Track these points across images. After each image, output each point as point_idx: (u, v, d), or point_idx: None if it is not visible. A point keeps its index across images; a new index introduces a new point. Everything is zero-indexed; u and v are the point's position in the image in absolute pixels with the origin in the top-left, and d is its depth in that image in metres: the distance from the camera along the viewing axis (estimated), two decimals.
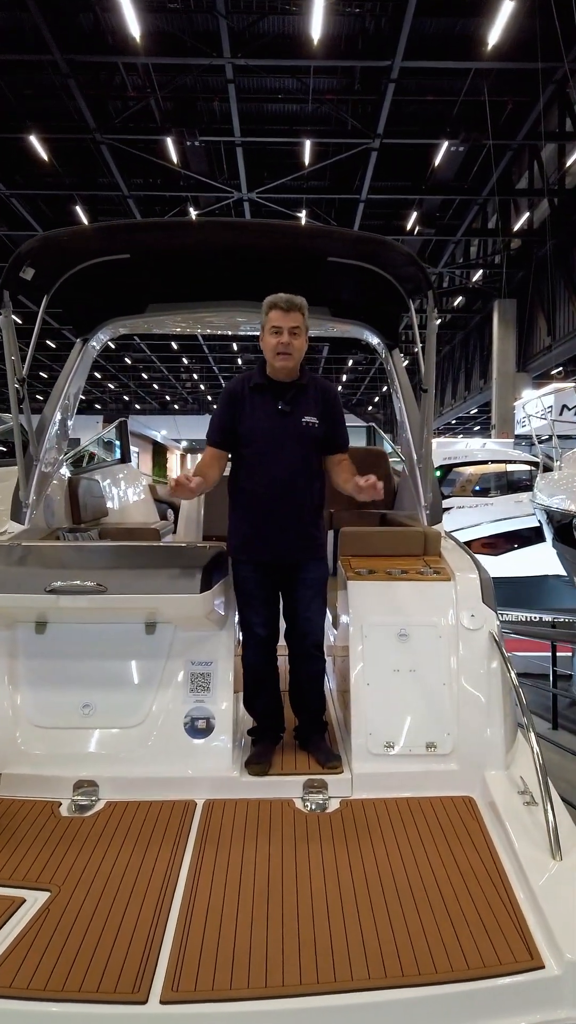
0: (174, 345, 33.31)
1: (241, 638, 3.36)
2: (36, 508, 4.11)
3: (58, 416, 4.49)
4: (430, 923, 2.20)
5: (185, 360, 37.72)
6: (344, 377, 40.92)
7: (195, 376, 42.04)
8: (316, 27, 12.78)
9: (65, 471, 5.11)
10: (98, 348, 4.93)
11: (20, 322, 4.28)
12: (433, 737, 3.01)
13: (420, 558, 3.54)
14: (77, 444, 6.07)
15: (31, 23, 12.73)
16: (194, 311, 4.79)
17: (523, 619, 8.27)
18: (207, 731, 3.08)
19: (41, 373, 32.15)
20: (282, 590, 3.29)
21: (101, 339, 4.89)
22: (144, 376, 41.47)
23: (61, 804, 2.86)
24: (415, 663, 3.10)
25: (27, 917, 2.20)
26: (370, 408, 45.70)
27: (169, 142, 16.37)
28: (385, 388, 40.05)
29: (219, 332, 6.03)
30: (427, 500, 4.13)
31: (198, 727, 3.08)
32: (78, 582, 2.90)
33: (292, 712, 3.41)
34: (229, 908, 2.27)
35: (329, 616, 4.02)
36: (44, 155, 16.44)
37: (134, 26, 12.53)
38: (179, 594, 2.95)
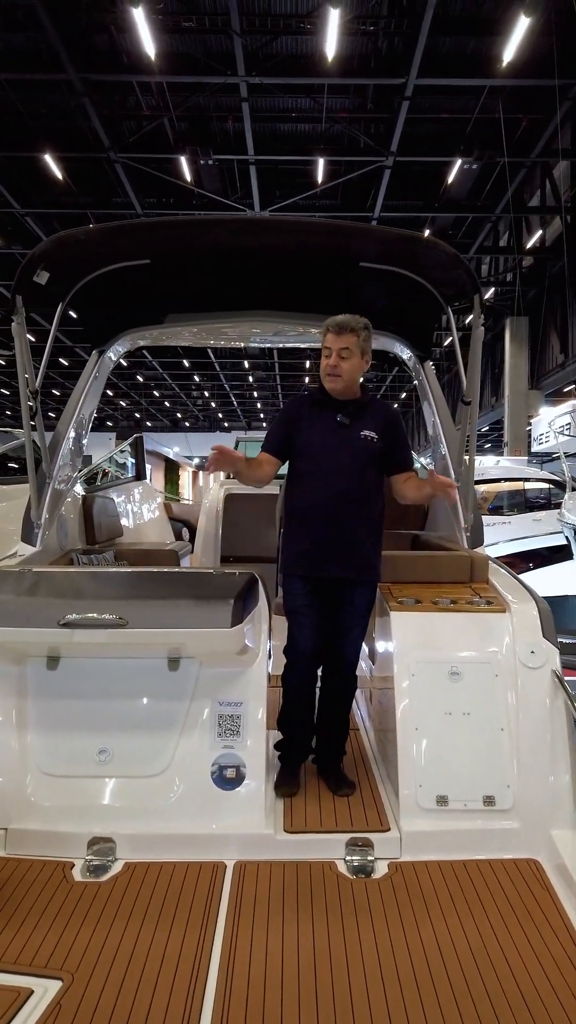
0: (185, 363, 33.24)
1: (272, 666, 3.06)
2: (49, 528, 3.82)
3: (72, 432, 4.21)
4: (504, 1015, 1.87)
5: (196, 378, 37.66)
6: None
7: (206, 394, 42.00)
8: (331, 45, 12.69)
9: (79, 489, 4.82)
10: (115, 360, 4.66)
11: (33, 339, 4.01)
12: (491, 790, 2.68)
13: (467, 586, 3.23)
14: (90, 461, 5.80)
15: (47, 43, 12.71)
16: (213, 322, 4.52)
17: None
18: (237, 781, 2.75)
19: (54, 391, 32.13)
20: (329, 611, 3.08)
21: (118, 351, 4.62)
22: (156, 394, 41.47)
23: (74, 865, 2.54)
24: (469, 705, 2.78)
25: (36, 1014, 1.87)
26: None
27: (183, 161, 16.31)
28: (396, 405, 39.90)
29: (234, 345, 5.78)
30: (468, 522, 3.83)
31: (227, 776, 2.76)
32: (94, 615, 2.59)
33: (315, 735, 3.19)
34: (272, 1002, 1.94)
35: (365, 647, 3.70)
36: (59, 174, 16.42)
37: (149, 46, 12.46)
38: (209, 628, 2.64)
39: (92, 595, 2.77)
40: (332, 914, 2.31)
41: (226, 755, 2.77)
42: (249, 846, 2.63)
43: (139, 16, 11.65)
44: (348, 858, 2.60)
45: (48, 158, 15.87)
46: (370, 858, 2.59)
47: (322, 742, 3.16)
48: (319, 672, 3.14)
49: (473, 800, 2.67)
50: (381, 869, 2.56)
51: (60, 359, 26.88)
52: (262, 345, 5.46)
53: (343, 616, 3.05)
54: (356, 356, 3.06)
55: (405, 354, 4.63)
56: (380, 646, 3.28)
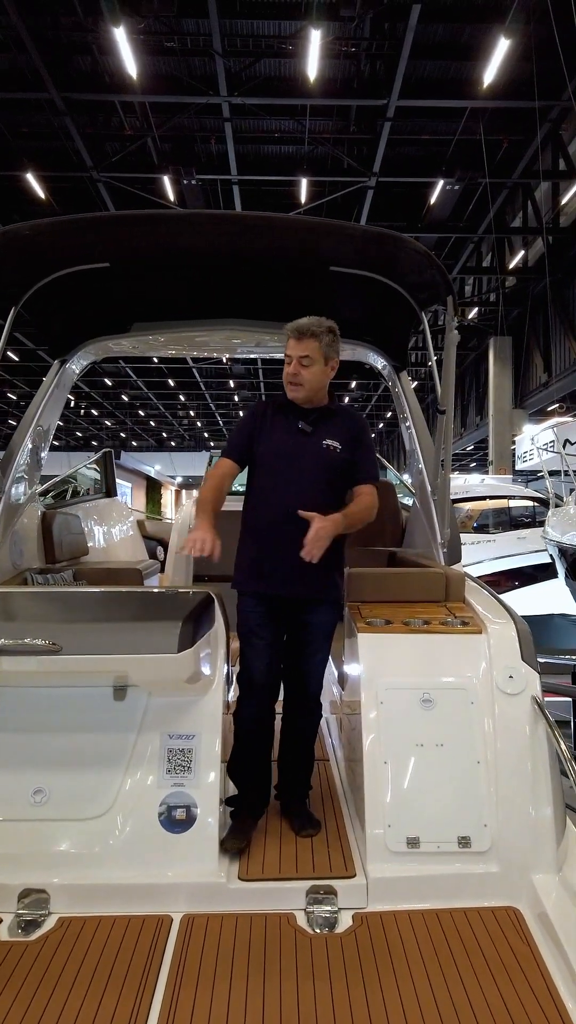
0: (171, 382, 33.13)
1: (232, 696, 2.82)
2: (0, 545, 3.57)
3: (29, 444, 3.98)
4: None
5: (182, 397, 37.55)
6: None
7: (191, 413, 41.90)
8: (313, 67, 12.70)
9: (38, 505, 4.58)
10: (78, 372, 4.44)
11: None
12: (467, 830, 2.44)
13: (442, 605, 3.01)
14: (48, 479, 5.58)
15: (29, 63, 12.65)
16: (183, 330, 4.32)
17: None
18: (187, 823, 2.49)
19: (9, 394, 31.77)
20: (287, 633, 2.84)
21: (81, 362, 4.40)
22: (141, 413, 41.30)
23: (2, 921, 2.27)
24: (443, 735, 2.55)
25: None
26: None
27: (166, 180, 16.28)
28: (382, 424, 39.83)
29: (215, 356, 5.58)
30: (444, 537, 3.62)
31: (176, 817, 2.50)
32: (26, 640, 2.34)
33: (277, 768, 2.93)
34: None
35: (333, 669, 3.47)
36: (41, 193, 16.34)
37: (131, 66, 12.41)
38: (152, 654, 2.39)
39: (26, 617, 2.53)
40: (287, 976, 2.06)
41: (176, 794, 2.52)
42: (199, 896, 2.37)
43: (120, 36, 11.60)
44: (309, 909, 2.34)
45: (31, 177, 15.80)
46: (333, 909, 2.33)
47: (284, 776, 2.90)
48: (279, 703, 2.88)
49: (447, 842, 2.42)
50: (345, 921, 2.30)
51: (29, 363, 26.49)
52: (246, 355, 5.27)
53: (302, 639, 2.81)
54: (318, 363, 2.84)
55: (380, 364, 4.45)
56: (348, 670, 3.05)
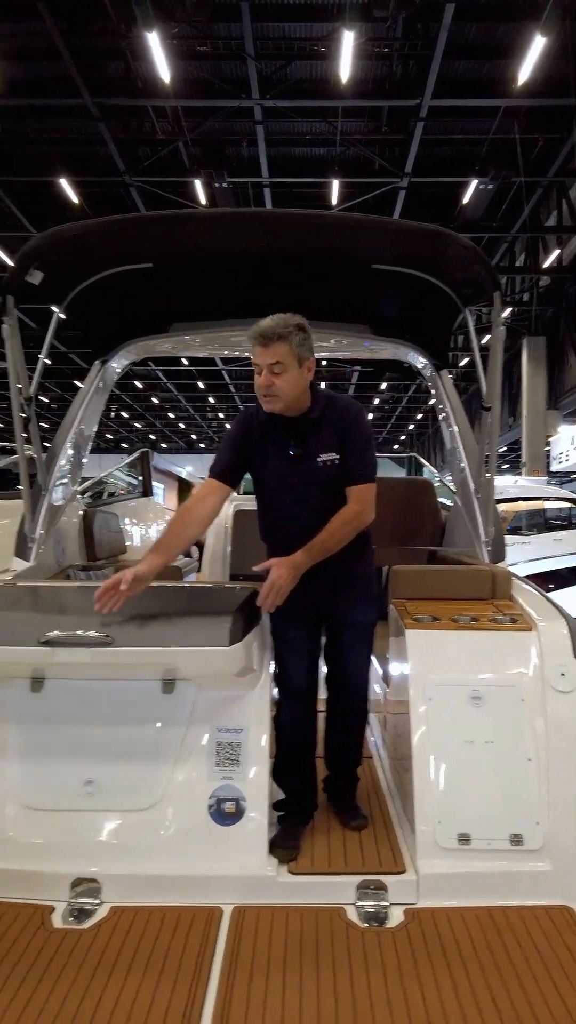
0: (200, 384, 33.33)
1: (276, 694, 2.82)
2: (44, 543, 3.62)
3: (70, 445, 4.03)
4: None
5: (211, 399, 37.73)
6: (371, 415, 40.57)
7: (220, 415, 42.10)
8: (345, 68, 12.69)
9: (79, 504, 4.64)
10: (118, 371, 4.49)
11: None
12: (518, 828, 2.41)
13: (489, 602, 2.99)
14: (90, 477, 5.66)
15: (64, 70, 12.83)
16: (221, 330, 4.34)
17: None
18: (236, 816, 2.50)
19: (43, 397, 32.18)
20: (326, 633, 2.81)
21: (122, 362, 4.45)
22: (171, 415, 41.59)
23: (54, 910, 2.30)
24: (492, 732, 2.52)
25: None
26: (395, 446, 45.18)
27: (197, 184, 16.37)
28: (412, 426, 39.62)
29: (247, 355, 5.62)
30: (489, 535, 3.59)
31: (225, 810, 2.51)
32: (79, 632, 2.37)
33: (324, 764, 2.91)
34: None
35: (377, 667, 3.45)
36: (75, 198, 16.53)
37: (164, 71, 12.52)
38: (204, 647, 2.41)
39: (78, 611, 2.56)
40: (340, 968, 2.05)
41: (225, 787, 2.53)
42: (249, 889, 2.37)
43: (154, 41, 11.71)
44: (359, 903, 2.34)
45: (64, 182, 15.99)
46: (384, 903, 2.33)
47: (333, 770, 2.90)
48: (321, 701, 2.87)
49: (498, 839, 2.40)
50: (396, 916, 2.29)
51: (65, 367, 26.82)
52: None
53: (344, 637, 2.76)
54: (292, 368, 2.53)
55: (420, 363, 4.42)
56: (394, 668, 3.04)
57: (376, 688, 3.60)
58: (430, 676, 2.62)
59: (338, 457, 2.61)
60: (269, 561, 2.48)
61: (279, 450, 2.65)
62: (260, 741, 2.60)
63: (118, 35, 12.67)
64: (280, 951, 2.12)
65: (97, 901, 2.33)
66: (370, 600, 2.82)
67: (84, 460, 4.37)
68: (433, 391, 4.44)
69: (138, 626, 2.45)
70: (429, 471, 7.37)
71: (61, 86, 13.42)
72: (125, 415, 39.94)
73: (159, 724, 2.62)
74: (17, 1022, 1.83)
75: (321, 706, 2.87)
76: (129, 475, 7.93)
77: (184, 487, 19.25)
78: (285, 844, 2.54)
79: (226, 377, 31.64)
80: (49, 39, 12.04)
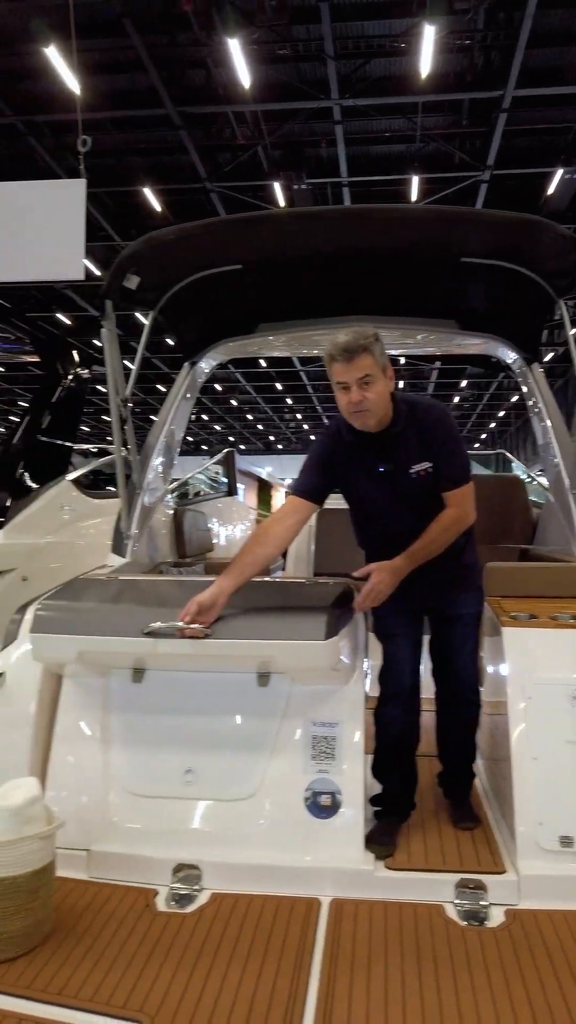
0: (278, 386, 33.57)
1: (369, 690, 2.82)
2: (139, 540, 3.74)
3: (162, 445, 4.14)
4: None
5: (289, 400, 37.93)
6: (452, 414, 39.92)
7: (298, 416, 42.30)
8: (425, 63, 12.56)
9: (170, 503, 4.76)
10: (207, 372, 4.58)
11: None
12: None
13: None
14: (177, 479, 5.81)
15: (147, 82, 13.18)
16: (307, 329, 4.37)
17: None
18: (332, 809, 2.52)
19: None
20: (431, 626, 2.79)
21: (210, 363, 4.54)
22: (249, 417, 42.04)
23: (158, 893, 2.37)
24: None
25: None
26: (476, 445, 44.33)
27: (276, 187, 16.51)
28: (493, 424, 38.77)
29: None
30: None
31: (321, 803, 2.53)
32: (179, 624, 2.44)
33: (439, 760, 2.91)
34: None
35: None
36: (158, 207, 16.95)
37: (245, 77, 12.71)
38: (300, 640, 2.44)
39: (177, 604, 2.63)
40: (442, 965, 2.04)
41: (320, 780, 2.55)
42: (346, 882, 2.38)
43: (235, 48, 11.89)
44: (458, 902, 2.31)
45: (148, 191, 16.42)
46: (483, 903, 2.30)
47: (448, 767, 2.88)
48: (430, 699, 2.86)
49: None
50: (496, 916, 2.26)
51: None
52: None
53: (451, 629, 2.76)
54: (379, 378, 2.48)
55: (510, 357, 4.34)
56: (491, 667, 2.99)
57: None
58: (529, 675, 2.57)
59: (431, 465, 2.57)
60: (370, 566, 2.49)
61: (368, 469, 2.61)
62: (355, 736, 2.61)
63: (199, 44, 12.93)
64: (380, 945, 2.13)
65: (198, 887, 2.38)
66: (475, 591, 2.81)
67: (175, 461, 4.48)
68: (524, 386, 4.35)
69: (236, 620, 2.50)
70: (519, 467, 7.19)
71: (144, 97, 13.81)
72: (205, 417, 40.64)
73: (254, 716, 2.66)
74: (128, 999, 1.90)
75: (428, 705, 2.85)
76: (214, 475, 8.10)
77: (264, 488, 19.45)
78: (382, 840, 2.54)
79: (304, 378, 31.75)
80: (134, 52, 12.39)
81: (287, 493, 2.78)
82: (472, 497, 2.62)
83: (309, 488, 2.64)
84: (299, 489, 2.65)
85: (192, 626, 2.42)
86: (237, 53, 12.10)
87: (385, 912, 2.27)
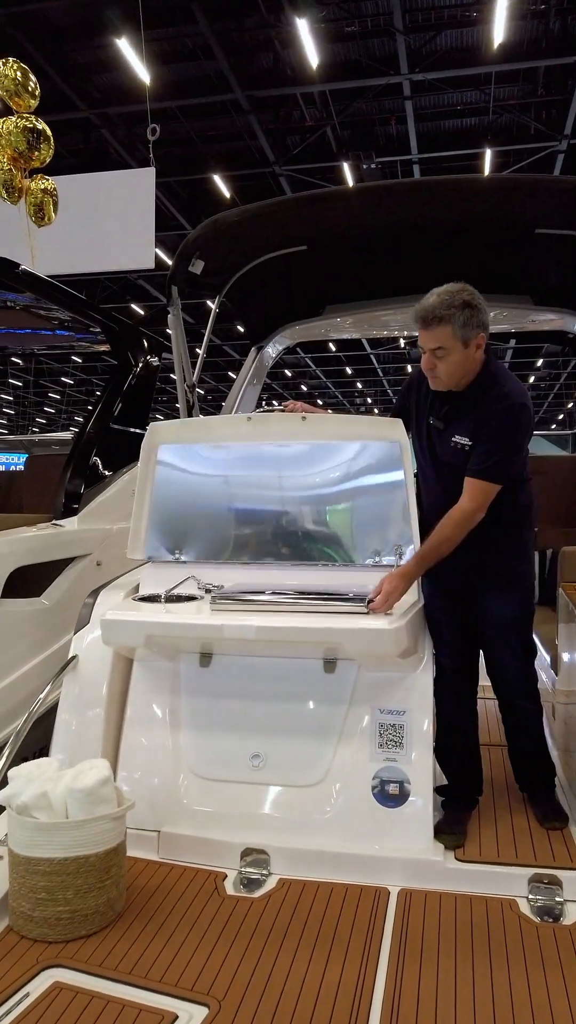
0: (348, 370, 33.34)
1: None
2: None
3: None
4: None
5: (359, 384, 37.63)
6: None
7: (368, 400, 41.93)
8: (499, 31, 12.11)
9: None
10: (274, 356, 4.56)
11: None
12: None
13: None
14: None
15: (215, 68, 13.19)
16: (374, 310, 4.28)
17: None
18: (400, 798, 2.48)
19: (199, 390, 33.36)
20: (473, 622, 2.71)
21: (277, 347, 4.52)
22: (319, 402, 41.97)
23: (227, 876, 2.38)
24: None
25: None
26: (553, 426, 42.99)
27: (345, 167, 16.29)
28: (572, 403, 37.47)
29: (399, 336, 5.52)
30: None
31: (389, 792, 2.49)
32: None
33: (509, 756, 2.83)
34: None
35: (544, 654, 3.29)
36: (227, 193, 16.98)
37: (313, 57, 12.55)
38: (366, 626, 2.40)
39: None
40: (514, 960, 1.98)
41: (388, 768, 2.51)
42: (415, 873, 2.35)
43: (303, 27, 11.75)
44: (532, 897, 2.24)
45: (217, 178, 16.47)
46: (559, 899, 2.22)
47: (518, 764, 2.78)
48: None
49: None
50: (572, 913, 2.18)
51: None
52: None
53: (486, 630, 2.66)
54: (455, 351, 2.41)
55: None
56: (566, 655, 2.88)
57: (543, 676, 3.44)
58: None
59: (470, 442, 2.49)
60: (381, 580, 2.49)
61: (426, 417, 2.66)
62: (423, 724, 2.56)
63: (267, 26, 12.84)
64: (450, 938, 2.08)
65: (266, 872, 2.39)
66: (515, 593, 2.64)
67: None
68: None
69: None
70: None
71: (213, 84, 13.82)
72: (275, 403, 40.77)
73: (321, 702, 2.64)
74: (195, 981, 1.92)
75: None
76: None
77: None
78: (451, 830, 2.49)
79: (374, 361, 31.41)
80: (202, 39, 12.39)
81: None
82: (489, 498, 2.46)
83: (397, 410, 2.84)
84: (393, 409, 2.87)
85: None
86: (305, 33, 11.94)
87: (455, 905, 2.22)
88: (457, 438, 2.51)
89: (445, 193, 3.26)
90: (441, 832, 2.46)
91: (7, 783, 2.29)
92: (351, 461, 2.81)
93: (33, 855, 2.10)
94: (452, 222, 3.31)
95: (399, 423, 2.69)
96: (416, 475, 2.76)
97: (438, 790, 2.63)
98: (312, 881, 2.35)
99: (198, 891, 2.32)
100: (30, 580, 3.66)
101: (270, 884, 2.35)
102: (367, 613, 2.43)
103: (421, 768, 2.51)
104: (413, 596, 2.66)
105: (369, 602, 2.44)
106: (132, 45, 11.86)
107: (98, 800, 2.16)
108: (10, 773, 2.29)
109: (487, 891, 2.28)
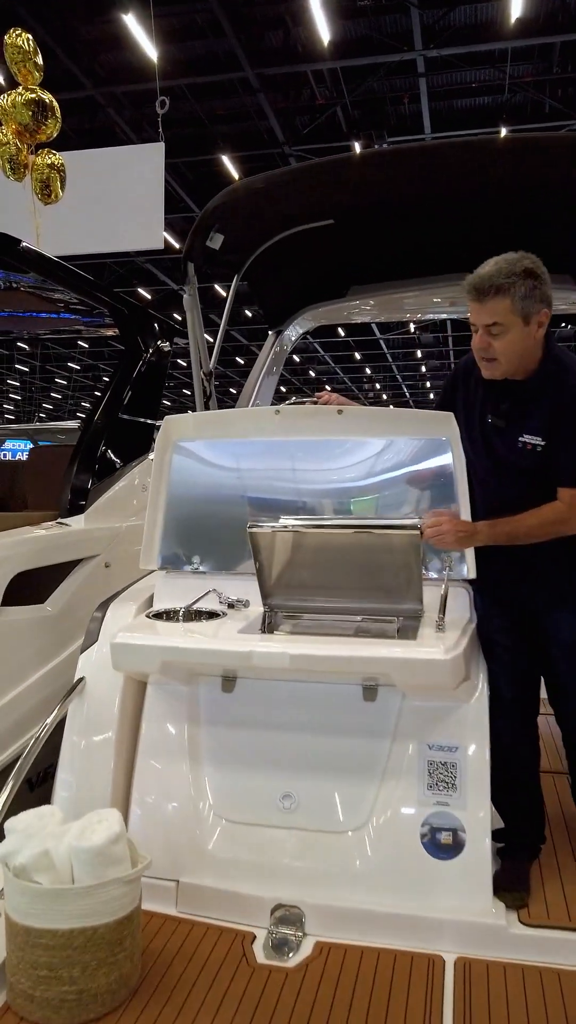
0: (357, 356, 32.96)
1: None
2: None
3: None
4: None
5: (368, 370, 37.23)
6: None
7: (377, 386, 41.56)
8: (516, 5, 11.70)
9: None
10: (294, 340, 4.24)
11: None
12: None
13: None
14: None
15: (224, 47, 12.81)
16: (399, 291, 3.94)
17: None
18: (455, 849, 2.17)
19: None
20: (536, 644, 2.40)
21: (297, 331, 4.19)
22: (328, 388, 41.58)
23: (255, 938, 2.08)
24: None
25: None
26: None
27: (356, 147, 15.88)
28: None
29: (419, 318, 5.20)
30: None
31: (441, 841, 2.18)
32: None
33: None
34: None
35: None
36: (236, 174, 16.59)
37: (324, 32, 12.15)
38: (419, 656, 2.08)
39: None
40: None
41: (440, 814, 2.20)
42: (473, 938, 2.04)
43: (315, 2, 11.37)
44: None
45: (226, 159, 16.11)
46: None
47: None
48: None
49: None
50: None
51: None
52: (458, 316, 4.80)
53: (551, 652, 2.35)
54: (514, 327, 2.10)
55: None
56: None
57: None
58: None
59: (543, 443, 2.17)
60: (438, 512, 2.23)
61: (481, 414, 2.31)
62: (479, 763, 2.24)
63: (278, 1, 12.43)
64: (521, 1019, 1.78)
65: (300, 933, 2.09)
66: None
67: None
68: None
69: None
70: None
71: (222, 62, 13.43)
72: (283, 389, 40.46)
73: (360, 735, 2.33)
74: None
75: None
76: None
77: None
78: (513, 886, 2.18)
79: (383, 347, 31.00)
80: (212, 15, 12.00)
81: None
82: None
83: (439, 409, 2.49)
84: (436, 404, 2.55)
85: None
86: (316, 8, 11.55)
87: (523, 978, 1.92)
88: (527, 437, 2.18)
89: (482, 153, 2.88)
90: (501, 888, 2.16)
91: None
92: (394, 461, 2.49)
93: (34, 925, 1.80)
94: (496, 186, 2.94)
95: (450, 417, 2.35)
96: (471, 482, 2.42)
97: (494, 835, 2.33)
98: (354, 946, 2.05)
99: (224, 956, 2.02)
100: (33, 585, 3.36)
101: (306, 949, 2.05)
102: (415, 640, 2.11)
103: (478, 814, 2.20)
104: (466, 614, 2.34)
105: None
106: (140, 21, 11.48)
107: (108, 861, 1.85)
108: (7, 825, 1.98)
109: (561, 961, 1.98)
